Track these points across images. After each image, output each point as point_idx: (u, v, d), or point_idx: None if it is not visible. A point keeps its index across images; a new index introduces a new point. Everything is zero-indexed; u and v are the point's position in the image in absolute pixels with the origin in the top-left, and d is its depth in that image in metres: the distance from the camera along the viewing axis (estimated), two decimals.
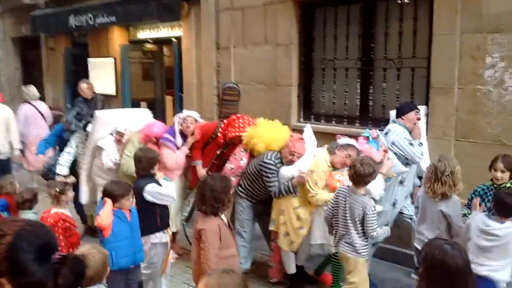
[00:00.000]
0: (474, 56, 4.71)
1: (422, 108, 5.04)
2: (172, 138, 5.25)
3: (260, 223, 4.97)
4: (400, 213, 4.83)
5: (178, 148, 5.24)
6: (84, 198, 5.86)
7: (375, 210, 3.85)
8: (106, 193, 3.87)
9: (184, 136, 5.28)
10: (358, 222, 3.84)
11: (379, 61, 5.68)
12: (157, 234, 4.27)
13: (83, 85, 6.93)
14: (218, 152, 5.13)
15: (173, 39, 8.54)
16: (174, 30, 8.47)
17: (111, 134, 5.50)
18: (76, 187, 6.00)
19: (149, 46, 9.89)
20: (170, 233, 4.50)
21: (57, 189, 4.23)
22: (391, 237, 4.87)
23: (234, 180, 4.79)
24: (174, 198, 4.37)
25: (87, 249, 2.96)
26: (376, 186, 4.37)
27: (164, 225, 4.37)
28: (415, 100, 5.31)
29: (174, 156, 5.16)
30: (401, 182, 4.72)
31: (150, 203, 4.20)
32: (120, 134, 5.41)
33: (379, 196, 4.61)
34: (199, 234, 3.48)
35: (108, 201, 3.81)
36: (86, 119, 6.12)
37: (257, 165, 4.58)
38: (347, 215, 3.89)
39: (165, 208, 4.39)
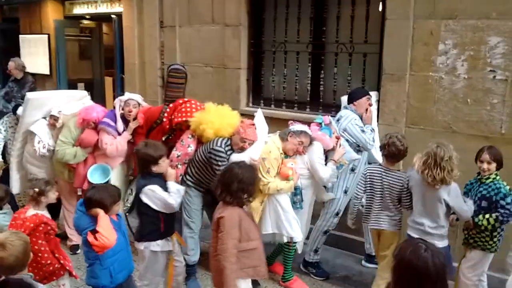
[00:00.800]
0: (426, 42, 4.66)
1: (373, 94, 4.98)
2: (112, 123, 4.87)
3: (208, 212, 4.73)
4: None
5: (119, 134, 4.88)
6: (15, 188, 5.36)
7: None
8: (95, 203, 3.28)
9: (125, 121, 4.91)
10: (396, 198, 3.93)
11: (331, 45, 5.55)
12: (159, 242, 3.76)
13: (10, 64, 6.41)
14: (163, 139, 4.81)
15: (113, 16, 8.03)
16: (114, 6, 7.97)
17: (44, 117, 5.05)
18: (6, 175, 5.54)
19: (86, 22, 9.29)
20: (174, 239, 3.95)
21: (36, 190, 3.65)
22: (341, 224, 4.83)
23: (181, 168, 4.52)
24: (176, 207, 3.73)
25: (5, 236, 2.69)
26: (328, 173, 4.27)
27: (168, 232, 3.84)
28: (366, 86, 5.24)
29: (115, 142, 4.81)
30: (353, 170, 4.66)
31: (149, 206, 3.69)
32: (54, 118, 4.97)
33: (331, 184, 4.54)
34: (218, 223, 3.19)
35: (102, 214, 3.25)
36: (16, 100, 5.61)
37: (206, 152, 4.32)
38: (386, 193, 3.96)
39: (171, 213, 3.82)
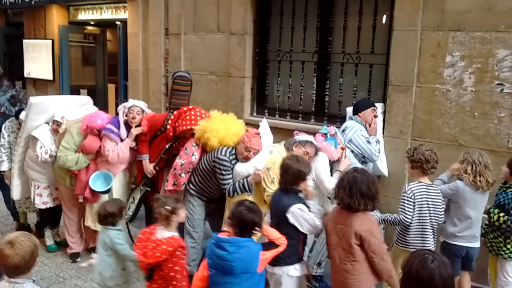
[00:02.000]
0: (434, 54, 4.63)
1: (379, 106, 4.94)
2: (115, 129, 4.83)
3: (211, 222, 4.68)
4: None
5: (122, 140, 4.83)
6: (16, 194, 5.29)
7: None
8: (255, 225, 3.06)
9: (129, 128, 4.87)
10: (440, 214, 3.84)
11: (337, 55, 5.52)
12: (297, 266, 3.45)
13: None
14: (167, 146, 4.76)
15: (118, 22, 8.02)
16: (119, 12, 7.96)
17: (47, 123, 5.00)
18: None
19: (91, 28, 9.28)
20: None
21: (168, 208, 3.37)
22: None
23: (184, 176, 4.47)
24: (319, 228, 3.46)
25: (16, 235, 2.65)
26: (334, 184, 4.21)
27: (303, 255, 3.56)
28: (372, 97, 5.20)
29: (117, 149, 4.76)
30: None
31: (294, 227, 3.40)
32: (57, 123, 4.92)
33: None
34: (362, 237, 3.07)
35: (264, 226, 3.16)
36: (21, 105, 5.56)
37: (210, 161, 4.28)
38: (431, 210, 3.81)
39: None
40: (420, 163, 3.85)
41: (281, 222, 3.41)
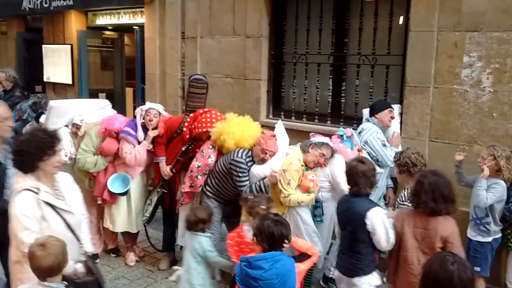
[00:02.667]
0: (451, 54, 4.59)
1: (396, 107, 4.91)
2: (133, 132, 4.89)
3: (228, 224, 4.70)
4: None
5: (139, 143, 4.89)
6: None
7: None
8: (283, 238, 2.90)
9: (146, 130, 4.93)
10: None
11: (353, 57, 5.50)
12: (375, 274, 3.33)
13: (0, 75, 6.50)
14: (183, 148, 4.81)
15: (135, 27, 8.12)
16: (137, 17, 8.05)
17: (67, 126, 5.08)
18: None
19: (108, 33, 9.41)
20: None
21: (263, 207, 3.36)
22: None
23: (200, 179, 4.50)
24: (392, 242, 3.20)
25: (45, 237, 2.67)
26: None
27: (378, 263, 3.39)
28: (389, 99, 5.18)
29: (134, 151, 4.81)
30: None
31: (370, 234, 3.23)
32: (76, 126, 5.00)
33: None
34: (448, 241, 3.02)
35: (293, 239, 3.09)
36: (42, 109, 5.68)
37: (227, 163, 4.31)
38: None
39: None
40: (406, 166, 3.80)
41: (357, 229, 3.25)
